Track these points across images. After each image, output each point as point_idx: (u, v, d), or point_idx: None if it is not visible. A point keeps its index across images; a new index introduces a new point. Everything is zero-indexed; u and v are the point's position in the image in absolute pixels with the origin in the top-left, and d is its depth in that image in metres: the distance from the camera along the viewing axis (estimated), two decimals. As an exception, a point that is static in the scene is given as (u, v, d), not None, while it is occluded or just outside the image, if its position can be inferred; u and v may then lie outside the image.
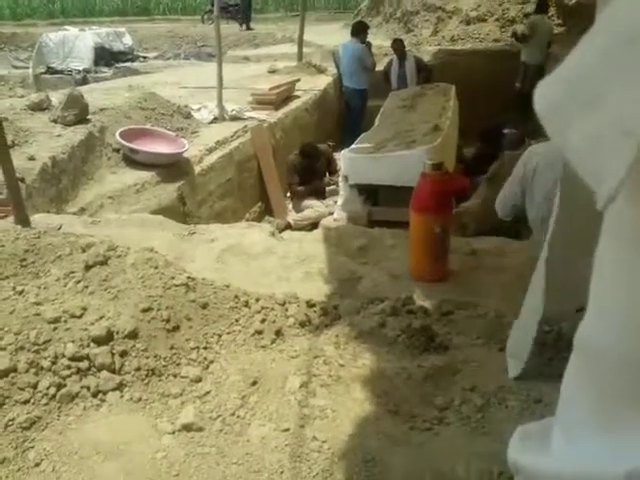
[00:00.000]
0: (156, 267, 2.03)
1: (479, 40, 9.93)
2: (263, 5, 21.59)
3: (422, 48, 9.77)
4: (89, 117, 5.17)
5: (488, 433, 1.56)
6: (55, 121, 5.01)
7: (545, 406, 1.58)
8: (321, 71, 8.93)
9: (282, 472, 1.43)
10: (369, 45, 8.37)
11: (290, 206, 6.36)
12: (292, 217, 5.92)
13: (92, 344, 1.73)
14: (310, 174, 6.00)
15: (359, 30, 8.14)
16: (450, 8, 11.05)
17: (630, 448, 0.84)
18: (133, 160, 4.98)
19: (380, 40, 10.11)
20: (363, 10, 14.85)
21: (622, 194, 0.62)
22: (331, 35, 11.72)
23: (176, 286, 1.98)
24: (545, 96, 0.73)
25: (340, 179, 5.49)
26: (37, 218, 3.55)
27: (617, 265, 0.78)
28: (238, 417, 1.62)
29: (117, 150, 5.09)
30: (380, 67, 8.32)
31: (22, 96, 6.34)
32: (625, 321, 0.77)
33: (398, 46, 8.01)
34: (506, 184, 3.29)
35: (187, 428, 1.58)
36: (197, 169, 5.17)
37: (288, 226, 5.66)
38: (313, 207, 5.89)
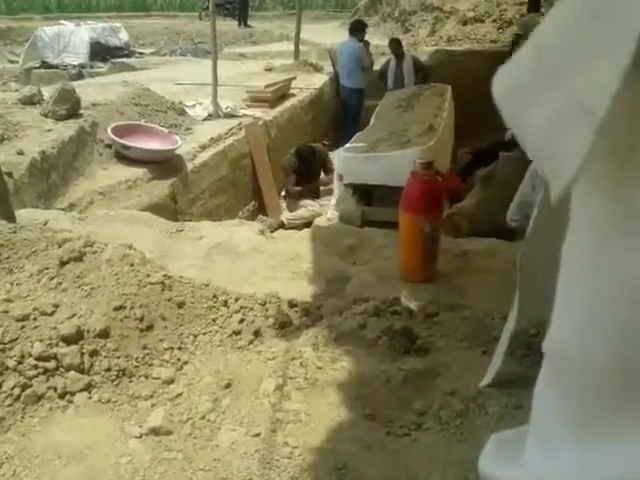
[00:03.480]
0: (132, 264, 1.98)
1: (476, 41, 9.90)
2: (261, 3, 21.59)
3: (419, 48, 9.73)
4: (81, 112, 5.11)
5: (466, 440, 1.50)
6: (46, 115, 4.96)
7: (525, 412, 1.52)
8: (317, 70, 8.88)
9: (250, 479, 1.38)
10: (367, 44, 8.32)
11: (284, 205, 6.31)
12: (285, 216, 5.87)
13: (61, 343, 1.68)
14: (306, 174, 5.95)
15: (357, 29, 8.09)
16: (447, 8, 11.02)
17: (603, 459, 0.80)
18: (125, 156, 4.93)
19: (377, 39, 10.06)
20: (361, 9, 14.83)
21: (590, 180, 0.56)
22: (328, 34, 11.70)
23: (151, 284, 1.93)
24: (505, 78, 0.68)
25: (334, 178, 5.45)
26: (23, 213, 3.49)
27: (582, 258, 0.72)
28: (208, 421, 1.56)
29: (109, 146, 5.04)
30: (377, 67, 8.27)
31: (16, 90, 6.28)
32: (588, 323, 0.72)
33: (395, 46, 7.96)
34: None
35: (155, 432, 1.52)
36: (190, 166, 5.11)
37: (281, 225, 5.61)
38: (307, 206, 5.84)
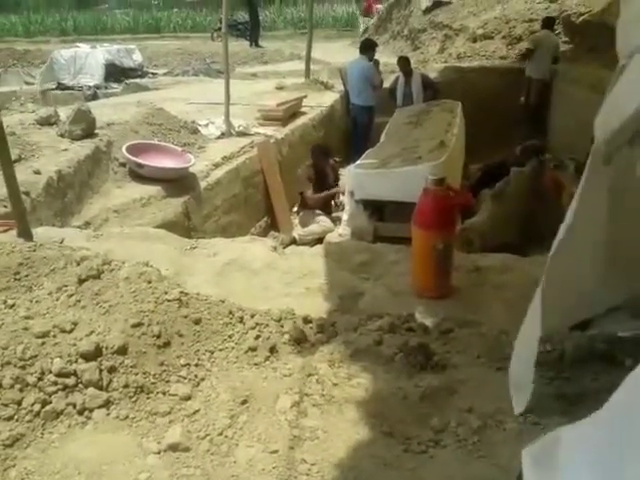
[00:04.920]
0: (149, 281, 2.00)
1: (486, 57, 9.94)
2: (272, 23, 21.91)
3: (429, 65, 9.80)
4: (96, 132, 5.20)
5: (484, 457, 1.49)
6: (62, 135, 5.04)
7: (543, 429, 1.52)
8: (328, 88, 8.96)
9: (268, 496, 1.38)
10: (377, 63, 8.40)
11: (296, 221, 6.34)
12: (297, 232, 5.89)
13: (80, 360, 1.69)
14: (322, 180, 5.97)
15: (367, 47, 8.16)
16: (457, 26, 11.10)
17: None
18: (139, 174, 4.99)
19: (387, 57, 10.15)
20: (370, 28, 14.99)
21: None
22: (338, 52, 11.81)
23: (168, 301, 1.94)
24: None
25: (346, 195, 5.47)
26: (40, 231, 3.54)
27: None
28: (226, 437, 1.57)
29: (123, 164, 5.11)
30: (386, 84, 8.34)
31: (33, 111, 6.41)
32: None
33: (404, 64, 8.04)
34: None
35: (173, 448, 1.53)
36: (203, 184, 5.16)
37: (293, 241, 5.63)
38: (319, 222, 5.85)
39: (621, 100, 0.91)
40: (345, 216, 5.35)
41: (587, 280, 1.35)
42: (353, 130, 8.33)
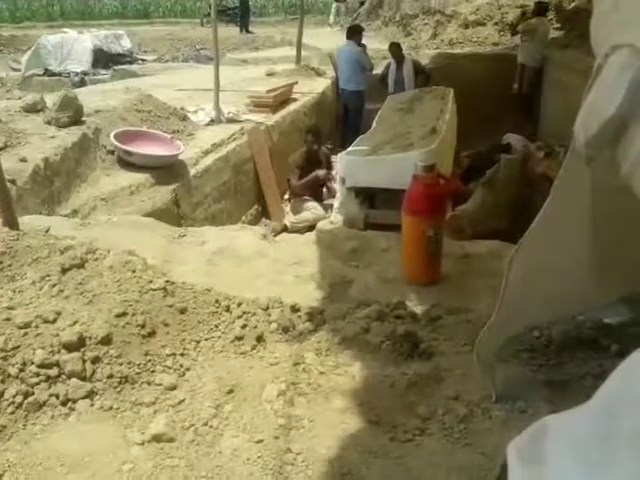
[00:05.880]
0: (134, 271, 1.97)
1: (478, 44, 9.90)
2: (262, 8, 21.69)
3: (421, 51, 9.74)
4: (84, 119, 5.12)
5: (470, 445, 1.49)
6: (49, 123, 4.97)
7: (530, 416, 1.51)
8: (319, 74, 8.90)
9: (253, 486, 1.37)
10: (364, 47, 8.39)
11: (288, 208, 6.30)
12: (289, 219, 5.86)
13: (63, 350, 1.67)
14: (314, 166, 5.92)
15: (354, 32, 8.23)
16: (449, 12, 11.03)
17: None
18: (127, 162, 4.93)
19: (379, 44, 10.08)
20: (362, 14, 14.87)
21: None
22: (329, 38, 11.70)
23: (153, 290, 1.92)
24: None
25: (337, 182, 5.44)
26: (26, 220, 3.49)
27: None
28: (211, 427, 1.55)
29: (111, 152, 5.04)
30: (378, 71, 8.30)
31: (19, 98, 6.31)
32: None
33: (395, 50, 8.00)
34: None
35: (157, 439, 1.51)
36: (193, 171, 5.11)
37: (285, 228, 5.60)
38: (311, 209, 5.82)
39: (598, 103, 0.90)
40: (336, 203, 5.31)
41: (570, 276, 1.33)
42: (344, 116, 8.30)
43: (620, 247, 1.29)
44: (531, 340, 1.95)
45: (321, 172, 5.89)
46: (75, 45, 10.78)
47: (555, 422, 0.93)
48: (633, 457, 0.69)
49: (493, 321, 1.51)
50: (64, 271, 1.99)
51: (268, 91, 6.78)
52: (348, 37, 8.15)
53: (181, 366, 1.79)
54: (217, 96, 6.02)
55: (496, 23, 10.21)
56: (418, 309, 2.30)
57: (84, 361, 1.67)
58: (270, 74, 8.64)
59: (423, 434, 1.55)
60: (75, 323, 1.77)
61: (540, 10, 8.56)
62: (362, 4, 15.80)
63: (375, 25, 13.35)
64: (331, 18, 17.29)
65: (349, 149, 5.35)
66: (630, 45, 0.84)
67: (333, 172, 6.06)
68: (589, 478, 0.76)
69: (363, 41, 8.37)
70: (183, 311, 1.93)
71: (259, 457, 1.45)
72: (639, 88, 0.83)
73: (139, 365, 1.74)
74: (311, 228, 5.21)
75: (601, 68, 0.92)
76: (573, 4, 9.11)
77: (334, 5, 17.78)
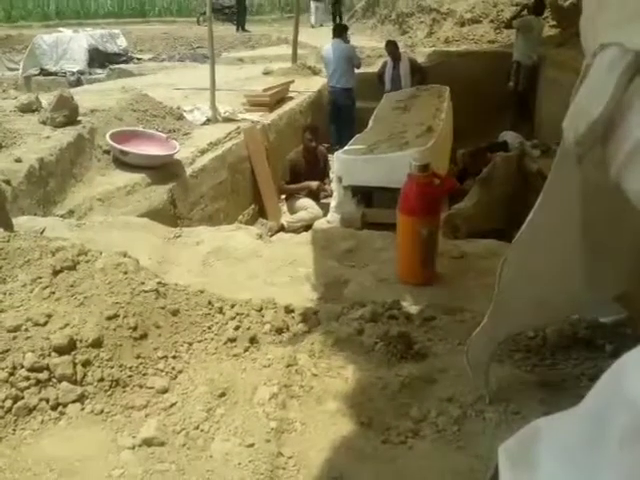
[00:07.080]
0: (125, 272, 1.96)
1: (474, 42, 9.90)
2: (258, 7, 21.65)
3: (417, 49, 9.73)
4: (79, 119, 5.10)
5: (463, 447, 1.48)
6: (44, 123, 4.95)
7: (523, 418, 1.50)
8: (315, 73, 8.89)
9: (244, 490, 1.36)
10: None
11: (284, 208, 6.29)
12: (286, 219, 5.85)
13: (53, 353, 1.65)
14: (312, 164, 5.91)
15: (341, 31, 8.35)
16: (445, 10, 11.03)
17: None
18: (123, 162, 4.92)
19: (375, 42, 10.06)
20: (358, 12, 14.84)
21: None
22: (326, 37, 11.66)
23: (145, 292, 1.91)
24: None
25: (334, 181, 5.43)
26: (21, 221, 3.48)
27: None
28: (202, 431, 1.54)
29: (107, 152, 5.03)
30: (374, 69, 8.30)
31: (15, 98, 6.28)
32: None
33: (391, 48, 8.00)
34: None
35: (148, 443, 1.50)
36: (189, 171, 5.10)
37: (281, 228, 5.59)
38: (307, 209, 5.81)
39: (586, 103, 0.89)
40: (333, 202, 5.31)
41: (561, 280, 1.32)
42: (334, 114, 8.25)
43: (610, 249, 1.28)
44: (525, 340, 1.94)
45: (314, 184, 5.88)
46: (71, 44, 10.74)
47: (546, 425, 0.92)
48: (622, 461, 0.68)
49: (484, 326, 1.50)
50: (55, 273, 1.97)
51: (264, 90, 6.77)
52: (336, 35, 8.22)
53: (173, 369, 1.77)
54: (213, 95, 6.01)
55: (492, 21, 10.22)
56: (412, 309, 2.29)
57: (75, 364, 1.66)
58: (266, 73, 8.64)
59: (416, 436, 1.54)
60: (66, 326, 1.75)
61: (539, 8, 8.54)
62: (337, 2, 15.59)
63: (371, 23, 13.33)
64: (312, 18, 17.22)
65: (346, 148, 5.35)
66: (618, 44, 0.83)
67: (327, 179, 6.04)
68: None
69: (363, 40, 8.44)
70: (175, 313, 1.92)
71: (250, 461, 1.43)
72: (627, 87, 0.82)
73: (130, 368, 1.72)
74: (308, 227, 5.21)
75: (589, 67, 0.91)
76: (569, 1, 9.09)
77: (313, 5, 17.72)
